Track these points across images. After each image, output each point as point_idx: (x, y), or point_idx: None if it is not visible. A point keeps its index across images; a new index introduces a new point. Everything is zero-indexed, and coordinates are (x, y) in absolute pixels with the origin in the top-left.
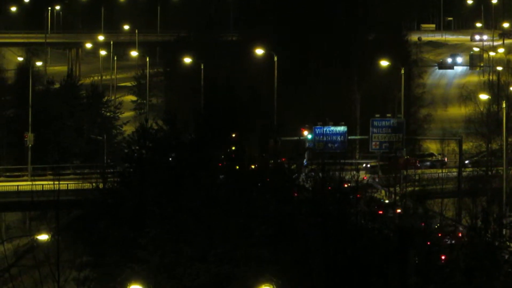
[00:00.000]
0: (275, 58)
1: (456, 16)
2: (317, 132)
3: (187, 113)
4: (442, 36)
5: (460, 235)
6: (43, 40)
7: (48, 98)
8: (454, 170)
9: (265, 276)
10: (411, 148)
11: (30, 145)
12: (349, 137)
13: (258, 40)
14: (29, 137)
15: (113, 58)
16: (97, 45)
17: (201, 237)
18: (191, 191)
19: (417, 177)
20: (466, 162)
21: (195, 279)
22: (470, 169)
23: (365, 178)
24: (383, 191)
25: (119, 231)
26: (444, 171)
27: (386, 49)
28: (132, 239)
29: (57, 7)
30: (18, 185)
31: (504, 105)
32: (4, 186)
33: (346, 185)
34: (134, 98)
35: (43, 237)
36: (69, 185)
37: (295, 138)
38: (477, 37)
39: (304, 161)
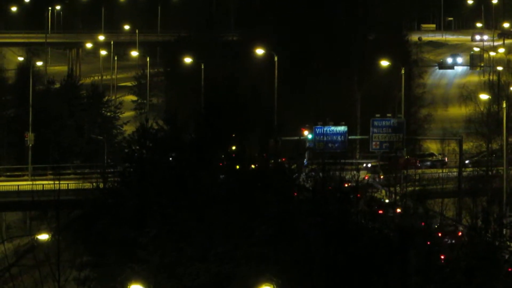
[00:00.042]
0: (275, 58)
1: (456, 16)
2: (317, 132)
3: (188, 113)
4: (442, 36)
5: (460, 235)
6: (43, 40)
7: (49, 98)
8: (455, 170)
9: (266, 275)
10: (412, 148)
11: (30, 145)
12: (350, 137)
13: (258, 40)
14: (30, 137)
15: (114, 58)
16: (98, 45)
17: (201, 237)
18: (191, 191)
19: (417, 177)
20: (467, 162)
21: (196, 279)
22: (471, 169)
23: (366, 177)
24: (383, 191)
25: (119, 231)
26: (444, 171)
27: (386, 49)
28: (132, 239)
29: (58, 7)
30: (18, 185)
31: (504, 105)
32: (4, 185)
33: (346, 185)
34: (134, 98)
35: (44, 236)
36: (69, 185)
37: (296, 138)
38: (477, 37)
39: (305, 161)
